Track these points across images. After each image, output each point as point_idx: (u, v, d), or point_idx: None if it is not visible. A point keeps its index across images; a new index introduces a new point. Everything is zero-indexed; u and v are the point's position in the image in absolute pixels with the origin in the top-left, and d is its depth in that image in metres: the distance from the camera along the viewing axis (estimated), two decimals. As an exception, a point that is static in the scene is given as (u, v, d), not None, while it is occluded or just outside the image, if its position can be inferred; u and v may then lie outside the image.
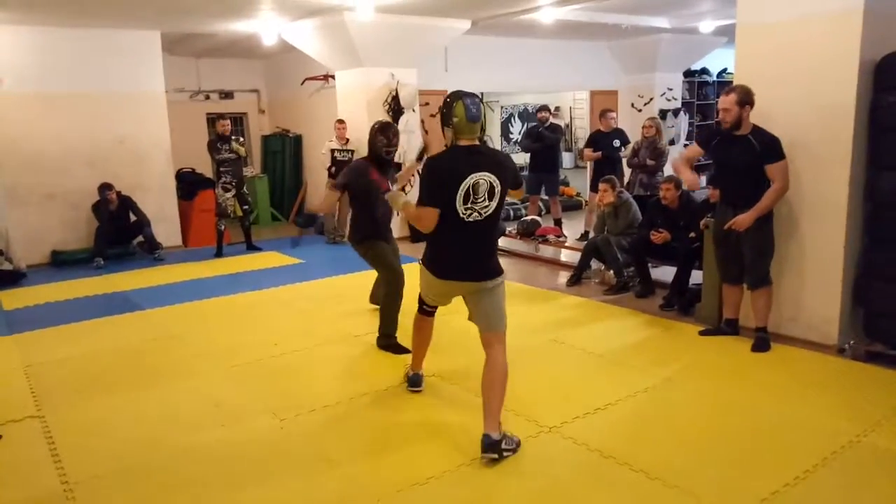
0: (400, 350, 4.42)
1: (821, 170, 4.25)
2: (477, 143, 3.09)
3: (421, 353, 3.79)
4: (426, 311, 3.59)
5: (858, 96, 4.06)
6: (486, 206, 3.03)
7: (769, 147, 4.09)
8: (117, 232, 7.90)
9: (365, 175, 4.42)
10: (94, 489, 2.92)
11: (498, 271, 3.17)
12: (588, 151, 8.19)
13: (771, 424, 3.36)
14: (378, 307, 4.73)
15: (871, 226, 4.19)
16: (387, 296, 4.51)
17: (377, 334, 4.57)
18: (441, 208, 3.00)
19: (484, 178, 2.99)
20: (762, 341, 4.33)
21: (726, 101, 4.14)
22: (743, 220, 4.15)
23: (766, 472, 2.89)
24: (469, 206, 2.99)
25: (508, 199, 10.73)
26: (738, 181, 4.26)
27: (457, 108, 3.01)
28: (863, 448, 3.09)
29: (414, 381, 3.84)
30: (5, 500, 2.85)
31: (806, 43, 4.25)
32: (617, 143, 7.89)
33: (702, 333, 4.68)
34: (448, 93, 3.15)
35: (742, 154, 4.15)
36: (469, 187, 2.96)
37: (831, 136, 4.17)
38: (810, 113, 4.24)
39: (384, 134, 4.46)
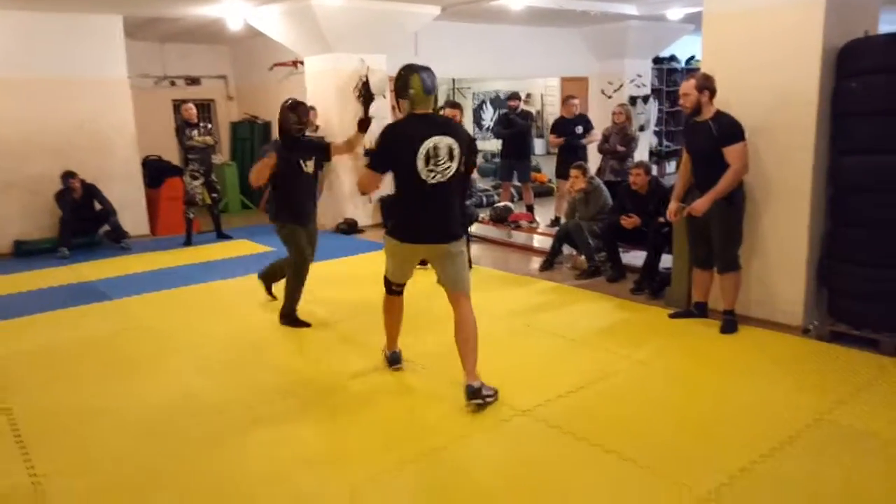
0: (298, 323, 4.75)
1: (785, 155, 4.33)
2: (431, 112, 3.35)
3: (394, 332, 3.90)
4: (394, 290, 3.72)
5: (821, 83, 4.14)
6: (447, 167, 3.26)
7: (725, 130, 4.15)
8: (82, 221, 7.72)
9: (279, 152, 4.44)
10: (62, 482, 2.87)
11: (460, 234, 3.45)
12: (552, 137, 8.23)
13: (739, 403, 3.44)
14: (263, 284, 5.31)
15: (834, 209, 4.30)
16: (290, 277, 4.75)
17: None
18: (404, 174, 3.27)
19: (443, 141, 3.24)
20: (729, 323, 4.42)
21: (686, 87, 4.24)
22: (699, 205, 4.24)
23: (735, 449, 2.96)
24: (431, 167, 3.22)
25: (482, 186, 10.72)
26: (703, 166, 4.33)
27: (413, 81, 3.25)
28: (828, 425, 3.18)
29: (393, 360, 3.94)
30: (-29, 494, 2.79)
31: (771, 31, 4.32)
32: (580, 129, 7.89)
33: (672, 316, 4.76)
34: (402, 65, 3.36)
35: (703, 140, 4.23)
36: (429, 149, 3.20)
37: (795, 121, 4.25)
38: (775, 99, 4.32)
39: (294, 112, 4.48)
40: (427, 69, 3.32)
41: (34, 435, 3.29)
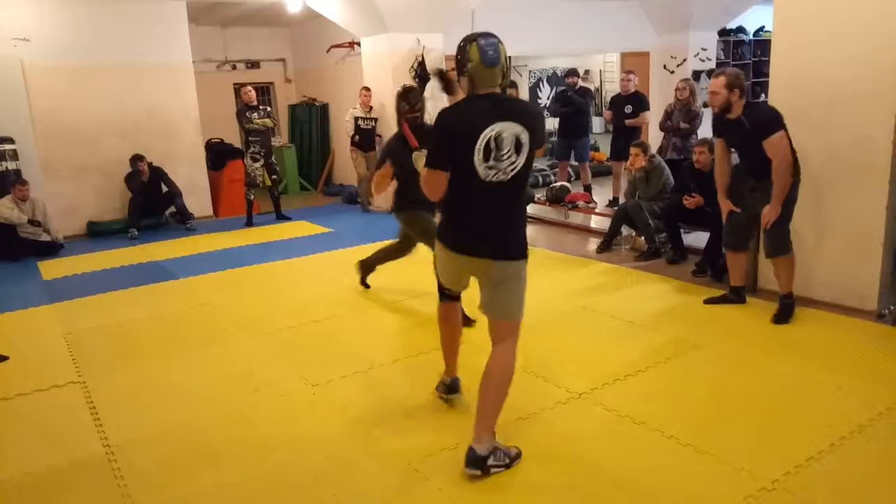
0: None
1: (863, 130, 4.09)
2: (498, 91, 2.64)
3: (450, 348, 3.20)
4: (448, 296, 3.07)
5: (905, 50, 3.88)
6: (513, 163, 2.57)
7: (759, 123, 3.94)
8: (150, 203, 8.03)
9: (394, 147, 4.34)
10: (134, 452, 3.01)
11: (522, 252, 2.69)
12: (607, 114, 8.02)
13: (804, 390, 3.31)
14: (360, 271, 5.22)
15: (916, 187, 4.04)
16: (396, 249, 4.85)
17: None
18: (457, 169, 2.59)
19: (509, 129, 2.55)
20: (787, 308, 4.20)
21: (715, 85, 4.03)
22: (771, 213, 4.04)
23: (800, 438, 2.85)
24: (492, 163, 2.54)
25: (537, 165, 10.55)
26: (747, 156, 4.17)
27: (471, 52, 2.57)
28: (901, 415, 3.02)
29: (450, 388, 3.29)
30: (50, 464, 2.95)
31: (849, -3, 4.06)
32: (629, 108, 7.63)
33: (707, 302, 4.59)
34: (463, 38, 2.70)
35: (739, 137, 4.07)
36: (490, 139, 2.53)
37: (875, 94, 4.00)
38: (854, 71, 4.07)
39: (405, 99, 4.31)
40: (490, 36, 2.64)
41: (107, 407, 3.46)
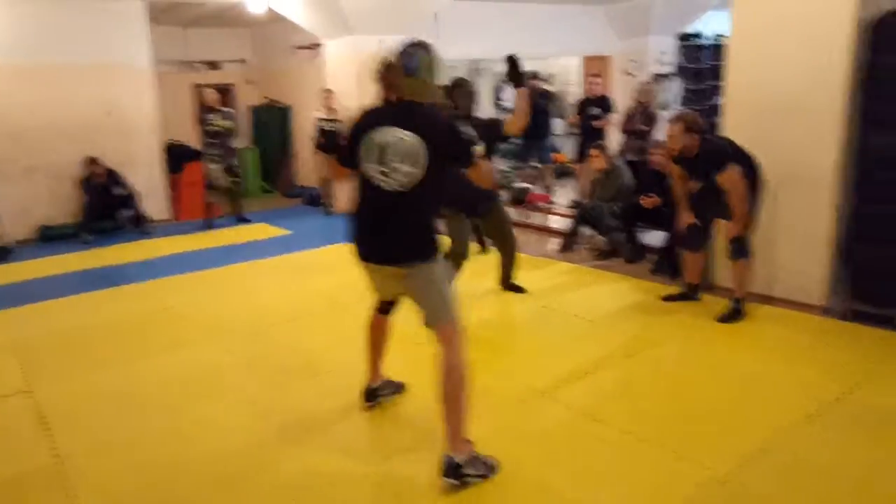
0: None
1: (813, 130, 4.21)
2: (412, 99, 2.61)
3: (372, 356, 3.17)
4: (379, 308, 3.06)
5: (853, 56, 4.01)
6: (405, 173, 2.51)
7: (709, 160, 4.08)
8: (105, 206, 7.82)
9: None
10: (86, 463, 2.92)
11: (426, 254, 2.62)
12: (571, 118, 8.11)
13: (759, 383, 3.39)
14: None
15: (862, 186, 4.17)
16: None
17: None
18: (360, 175, 2.64)
19: (399, 137, 2.51)
20: (735, 312, 4.25)
21: (673, 130, 4.17)
22: (733, 231, 4.15)
23: (752, 429, 2.92)
24: (384, 168, 2.54)
25: (498, 166, 10.62)
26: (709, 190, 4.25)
27: (383, 60, 2.66)
28: (849, 404, 3.12)
29: (368, 395, 3.22)
30: (-4, 473, 2.85)
31: (801, 4, 4.17)
32: (595, 111, 7.70)
33: (664, 299, 4.67)
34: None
35: (697, 174, 4.22)
36: (375, 144, 2.55)
37: (825, 97, 4.12)
38: (805, 75, 4.19)
39: (449, 96, 4.08)
40: (416, 45, 2.67)
41: (57, 417, 3.35)
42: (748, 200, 4.09)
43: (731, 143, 4.21)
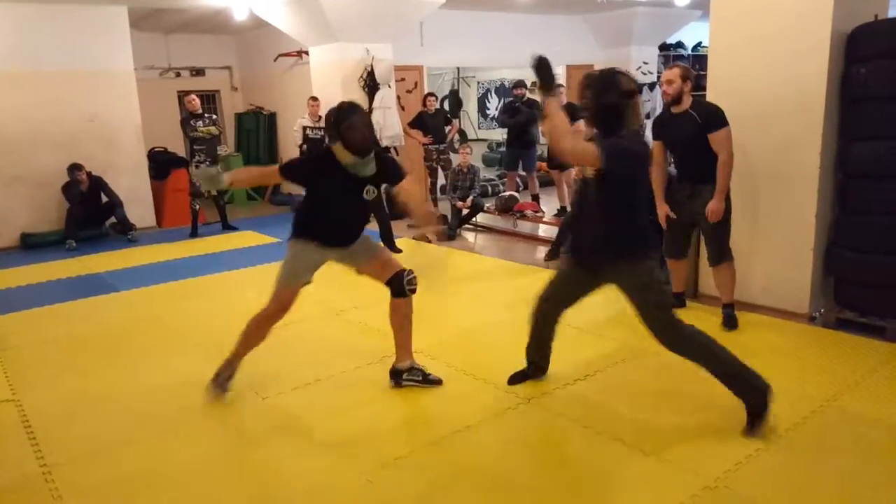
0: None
1: (794, 141, 4.30)
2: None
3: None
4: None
5: (830, 68, 4.10)
6: None
7: (710, 116, 4.08)
8: (89, 213, 7.76)
9: None
10: (71, 471, 2.90)
11: (292, 234, 3.52)
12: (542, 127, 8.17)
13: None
14: None
15: (842, 195, 4.26)
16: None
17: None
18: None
19: None
20: (730, 318, 4.31)
21: (670, 74, 4.15)
22: (715, 208, 4.11)
23: (740, 437, 2.96)
24: None
25: (486, 175, 10.68)
26: (688, 156, 4.24)
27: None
28: (833, 412, 3.17)
29: (393, 374, 3.64)
30: (-18, 484, 2.82)
31: (779, 16, 4.26)
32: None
33: None
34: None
35: (686, 128, 4.13)
36: None
37: (804, 107, 4.21)
38: (784, 85, 4.28)
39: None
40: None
41: (44, 426, 3.32)
42: (730, 176, 4.09)
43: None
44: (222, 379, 3.53)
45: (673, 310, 3.13)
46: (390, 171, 3.45)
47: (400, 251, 6.44)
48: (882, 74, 3.91)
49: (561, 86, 8.35)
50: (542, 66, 2.95)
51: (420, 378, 3.55)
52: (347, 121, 3.18)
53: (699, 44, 12.74)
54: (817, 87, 4.14)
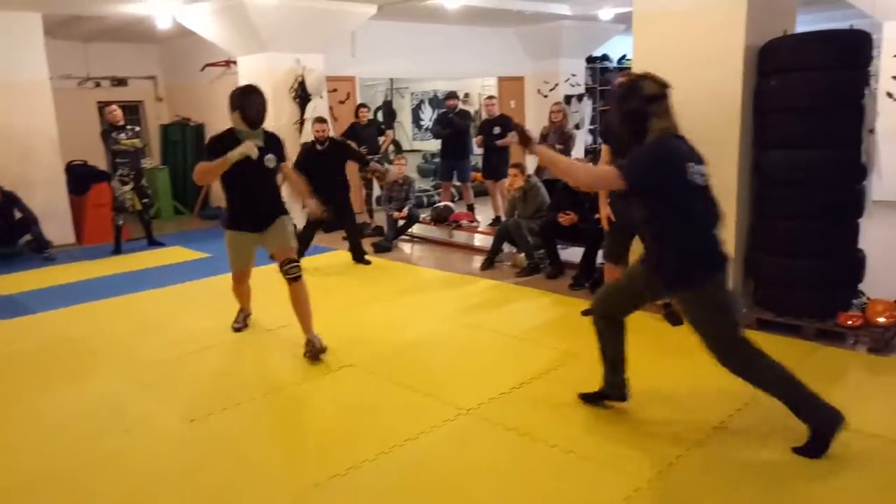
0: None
1: (712, 151, 4.41)
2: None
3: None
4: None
5: (745, 80, 4.31)
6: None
7: None
8: (1, 231, 7.31)
9: None
10: (-17, 508, 2.71)
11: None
12: (477, 139, 8.31)
13: (675, 392, 3.55)
14: None
15: (759, 202, 4.48)
16: None
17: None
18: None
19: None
20: (674, 315, 4.44)
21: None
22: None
23: (674, 438, 3.05)
24: None
25: (422, 186, 10.72)
26: None
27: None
28: (757, 408, 3.30)
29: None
30: None
31: (697, 31, 4.46)
32: (497, 129, 7.84)
33: (584, 313, 4.80)
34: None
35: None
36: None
37: (722, 118, 4.41)
38: (702, 97, 4.46)
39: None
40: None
41: (-51, 460, 3.08)
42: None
43: None
44: (240, 323, 4.70)
45: (740, 335, 2.97)
46: (276, 146, 4.20)
47: (369, 263, 6.71)
48: (790, 86, 4.14)
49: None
50: (516, 129, 3.20)
51: (308, 350, 4.05)
52: (249, 97, 3.97)
53: (624, 56, 13.18)
54: (733, 99, 4.34)
